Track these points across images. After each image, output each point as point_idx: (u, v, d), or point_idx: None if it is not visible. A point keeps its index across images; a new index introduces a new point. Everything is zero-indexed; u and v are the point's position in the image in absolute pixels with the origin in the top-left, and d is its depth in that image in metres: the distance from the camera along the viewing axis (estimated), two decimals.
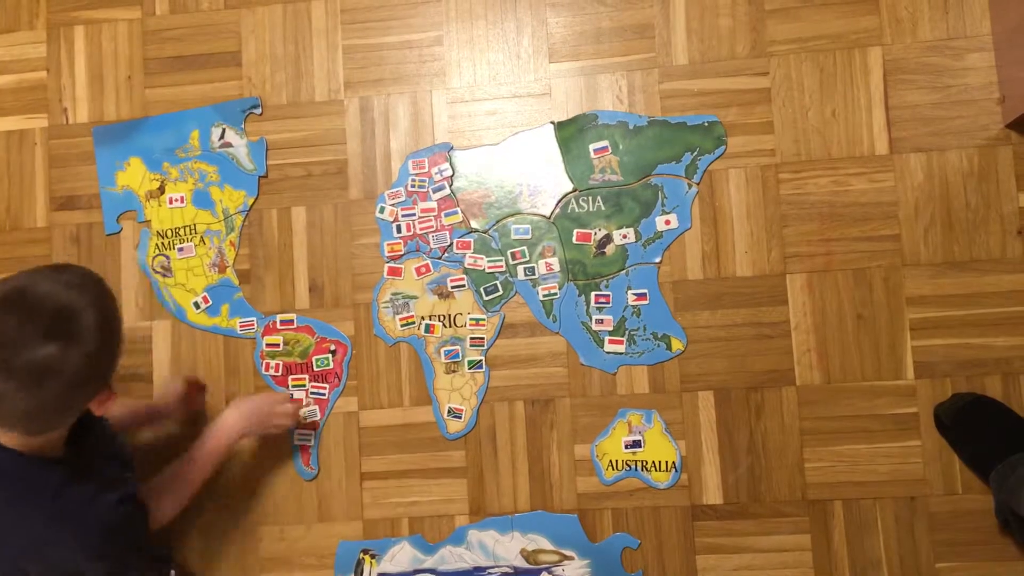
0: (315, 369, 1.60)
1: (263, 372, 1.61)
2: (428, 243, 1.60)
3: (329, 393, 1.60)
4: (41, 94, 1.71)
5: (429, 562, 1.55)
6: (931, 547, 1.46)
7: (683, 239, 1.55)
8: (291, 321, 1.61)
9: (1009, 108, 1.49)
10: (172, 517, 1.40)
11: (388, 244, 1.61)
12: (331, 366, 1.60)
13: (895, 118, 1.53)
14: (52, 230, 1.68)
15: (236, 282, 1.63)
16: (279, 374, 1.61)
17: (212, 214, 1.65)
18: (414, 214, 1.61)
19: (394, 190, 1.62)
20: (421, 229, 1.61)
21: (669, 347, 1.54)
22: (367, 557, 1.56)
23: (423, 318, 1.59)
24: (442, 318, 1.58)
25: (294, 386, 1.60)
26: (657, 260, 1.55)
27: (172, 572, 1.49)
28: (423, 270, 1.60)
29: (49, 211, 1.68)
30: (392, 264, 1.60)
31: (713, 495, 1.51)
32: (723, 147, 1.56)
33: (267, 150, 1.64)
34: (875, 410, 1.49)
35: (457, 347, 1.57)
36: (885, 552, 1.47)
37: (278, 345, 1.61)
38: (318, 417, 1.58)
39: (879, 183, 1.52)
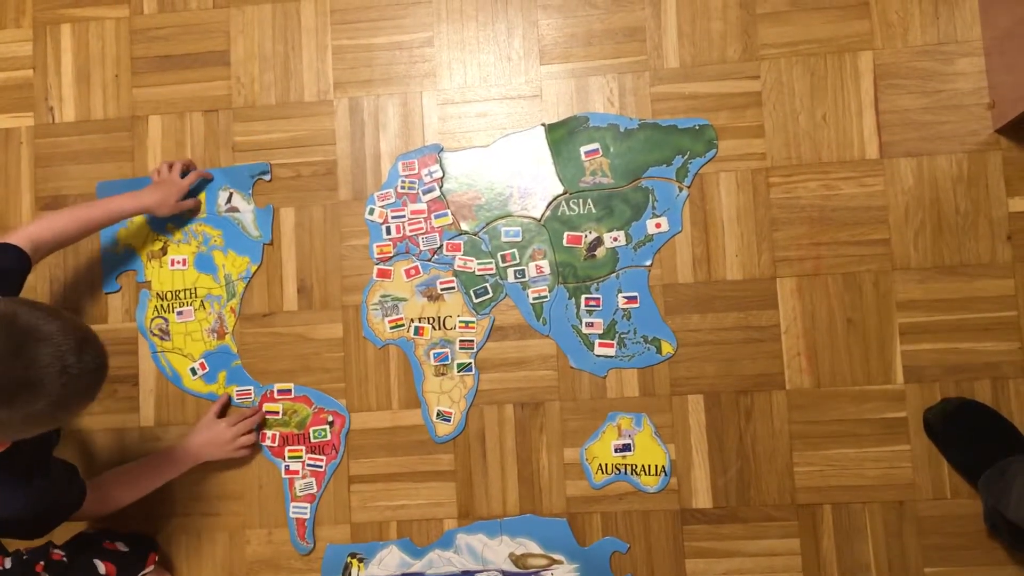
0: (312, 440, 1.58)
1: (260, 442, 1.58)
2: (418, 245, 1.59)
3: (326, 465, 1.57)
4: (27, 93, 1.70)
5: (417, 566, 1.54)
6: (920, 551, 1.47)
7: (673, 242, 1.55)
8: (288, 391, 1.59)
9: (999, 113, 1.49)
10: (110, 511, 1.44)
11: (377, 246, 1.60)
12: (328, 437, 1.57)
13: (885, 122, 1.53)
14: None
15: (235, 349, 1.61)
16: (276, 444, 1.58)
17: (214, 279, 1.63)
18: (404, 216, 1.60)
19: (384, 191, 1.61)
20: (411, 231, 1.60)
21: (659, 350, 1.53)
22: (355, 561, 1.55)
23: (412, 320, 1.58)
24: (431, 320, 1.58)
25: (291, 457, 1.57)
26: (647, 263, 1.55)
27: (154, 556, 1.50)
28: (412, 272, 1.59)
29: (35, 211, 1.67)
30: (381, 266, 1.59)
31: (702, 499, 1.51)
32: (714, 150, 1.55)
33: (273, 218, 1.62)
34: (864, 414, 1.49)
35: (446, 350, 1.57)
36: (874, 556, 1.47)
37: (276, 413, 1.59)
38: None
39: (869, 187, 1.52)
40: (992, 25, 1.50)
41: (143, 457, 1.51)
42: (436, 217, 1.59)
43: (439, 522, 1.55)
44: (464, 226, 1.59)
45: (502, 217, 1.58)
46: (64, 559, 1.38)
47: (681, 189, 1.55)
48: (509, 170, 1.59)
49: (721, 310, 1.53)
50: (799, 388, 1.51)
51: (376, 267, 1.60)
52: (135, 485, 1.47)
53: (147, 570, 1.48)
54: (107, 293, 1.64)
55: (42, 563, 1.34)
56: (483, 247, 1.58)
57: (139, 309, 1.63)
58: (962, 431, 1.45)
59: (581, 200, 1.57)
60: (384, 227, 1.60)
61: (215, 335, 1.61)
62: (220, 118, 1.65)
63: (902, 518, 1.47)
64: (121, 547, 1.48)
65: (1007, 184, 1.50)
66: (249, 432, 1.54)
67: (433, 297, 1.58)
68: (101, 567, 1.40)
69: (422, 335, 1.57)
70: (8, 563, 1.33)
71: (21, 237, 1.37)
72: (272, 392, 1.59)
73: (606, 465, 1.52)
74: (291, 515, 1.57)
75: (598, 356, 1.54)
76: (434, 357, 1.57)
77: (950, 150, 1.52)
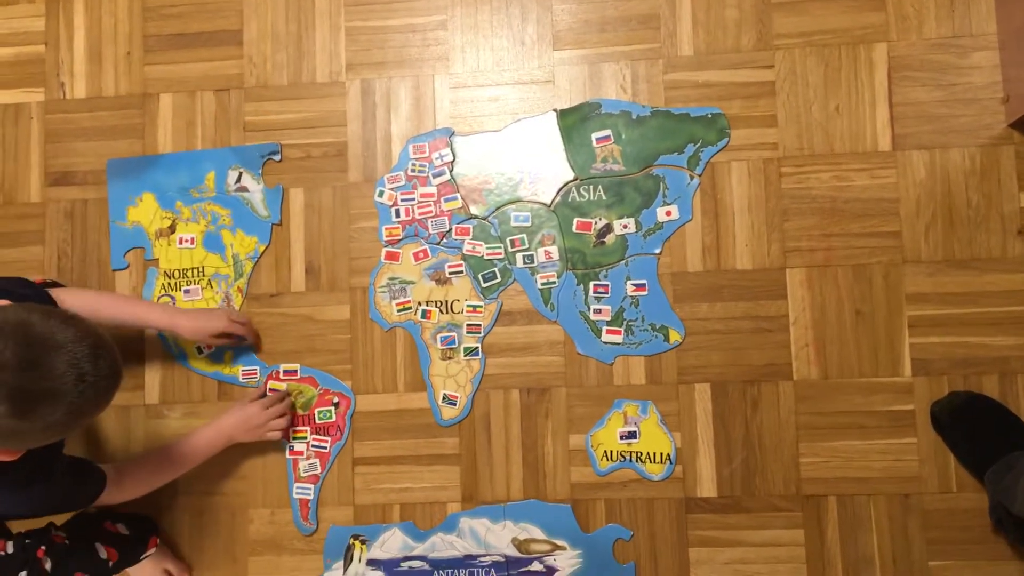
0: (317, 421, 1.57)
1: (292, 425, 1.57)
2: (427, 228, 1.59)
3: (331, 446, 1.57)
4: (39, 68, 1.69)
5: (420, 549, 1.54)
6: (924, 545, 1.46)
7: (683, 231, 1.55)
8: (294, 371, 1.58)
9: (1012, 108, 1.49)
10: (134, 497, 1.41)
11: (386, 228, 1.60)
12: (333, 419, 1.57)
13: (898, 115, 1.53)
14: (46, 206, 1.66)
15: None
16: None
17: (222, 258, 1.62)
18: (413, 199, 1.60)
19: (394, 174, 1.61)
20: (420, 214, 1.59)
21: (667, 338, 1.53)
22: (357, 542, 1.55)
23: (420, 304, 1.58)
24: (439, 304, 1.57)
25: (295, 438, 1.57)
26: (657, 251, 1.54)
27: (155, 539, 1.49)
28: (421, 255, 1.58)
29: (44, 186, 1.66)
30: (390, 248, 1.59)
31: (707, 488, 1.50)
32: (726, 139, 1.55)
33: (282, 198, 1.62)
34: (871, 407, 1.49)
35: (454, 333, 1.56)
36: (878, 549, 1.47)
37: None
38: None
39: (881, 179, 1.52)
40: (1007, 19, 1.50)
41: (164, 445, 1.47)
42: (446, 201, 1.59)
43: (442, 505, 1.54)
44: (474, 210, 1.59)
45: (512, 202, 1.58)
46: (65, 541, 1.37)
47: (692, 177, 1.55)
48: (520, 155, 1.59)
49: (730, 299, 1.53)
50: (807, 379, 1.50)
51: (384, 249, 1.59)
52: (161, 472, 1.45)
53: (148, 552, 1.48)
54: (115, 270, 1.64)
55: (43, 547, 1.33)
56: (492, 231, 1.58)
57: (146, 287, 1.63)
58: (969, 425, 1.44)
59: (592, 186, 1.57)
60: (393, 210, 1.60)
61: None
62: (232, 97, 1.65)
63: (907, 511, 1.47)
64: (122, 529, 1.48)
65: (1019, 179, 1.50)
66: (283, 416, 1.52)
67: (441, 281, 1.58)
68: (102, 552, 1.40)
69: (429, 318, 1.57)
70: (10, 548, 1.32)
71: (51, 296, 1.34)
72: (278, 372, 1.59)
73: (611, 452, 1.52)
74: (294, 496, 1.56)
75: (605, 343, 1.54)
76: (441, 341, 1.56)
77: (963, 144, 1.51)
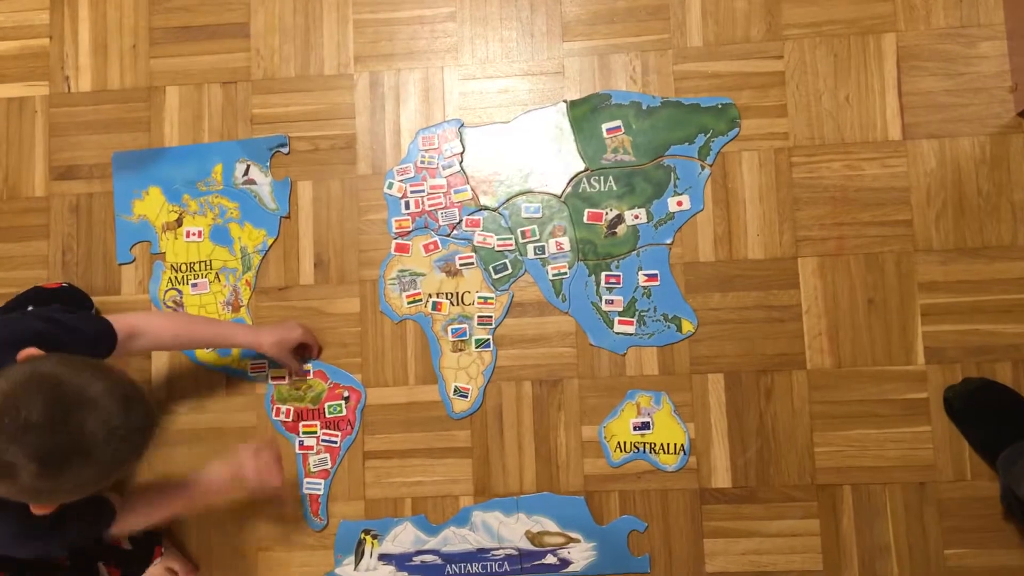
0: (327, 416, 1.56)
1: (273, 417, 1.56)
2: (437, 220, 1.58)
3: (341, 441, 1.55)
4: (43, 61, 1.68)
5: (432, 543, 1.52)
6: (940, 533, 1.46)
7: (695, 221, 1.54)
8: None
9: (1021, 96, 1.49)
10: (135, 530, 1.38)
11: (396, 220, 1.59)
12: (344, 413, 1.55)
13: (908, 104, 1.53)
14: (51, 200, 1.64)
15: (250, 322, 1.58)
16: (290, 419, 1.56)
17: (229, 251, 1.61)
18: (423, 190, 1.59)
19: (403, 166, 1.60)
20: (430, 206, 1.58)
21: (679, 329, 1.52)
22: (368, 537, 1.53)
23: (430, 296, 1.57)
24: (449, 296, 1.56)
25: (305, 432, 1.55)
26: (668, 241, 1.54)
27: (159, 549, 1.47)
28: (431, 247, 1.57)
29: (48, 180, 1.65)
30: (400, 240, 1.58)
31: (722, 478, 1.49)
32: (736, 129, 1.55)
33: (291, 191, 1.60)
34: (885, 395, 1.48)
35: (464, 325, 1.55)
36: (894, 537, 1.46)
37: (282, 378, 1.57)
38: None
39: (892, 168, 1.52)
40: (1015, 8, 1.50)
41: (172, 487, 1.41)
42: (456, 192, 1.58)
43: (455, 499, 1.53)
44: (484, 201, 1.58)
45: (522, 193, 1.57)
46: (67, 563, 1.34)
47: (703, 167, 1.55)
48: (530, 146, 1.58)
49: (742, 289, 1.52)
50: (820, 368, 1.50)
51: (394, 242, 1.58)
52: (163, 506, 1.38)
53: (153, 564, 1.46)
54: (121, 264, 1.62)
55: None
56: (503, 223, 1.57)
57: (153, 281, 1.61)
58: (982, 410, 1.44)
59: (602, 177, 1.56)
60: (403, 201, 1.59)
61: (230, 308, 1.59)
62: (238, 90, 1.64)
63: (922, 499, 1.46)
64: (126, 544, 1.44)
65: None
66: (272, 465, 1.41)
67: (452, 272, 1.57)
68: (105, 573, 1.38)
69: (440, 310, 1.56)
70: None
71: (122, 323, 1.29)
72: None
73: (624, 443, 1.51)
74: (304, 491, 1.55)
75: (618, 334, 1.53)
76: (452, 333, 1.55)
77: (972, 132, 1.52)
